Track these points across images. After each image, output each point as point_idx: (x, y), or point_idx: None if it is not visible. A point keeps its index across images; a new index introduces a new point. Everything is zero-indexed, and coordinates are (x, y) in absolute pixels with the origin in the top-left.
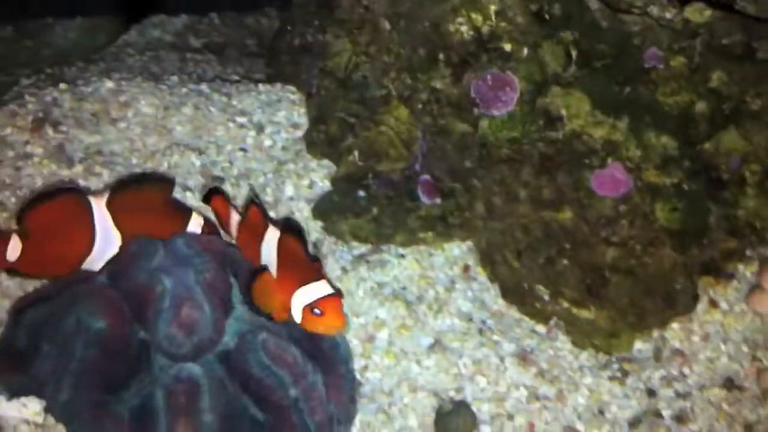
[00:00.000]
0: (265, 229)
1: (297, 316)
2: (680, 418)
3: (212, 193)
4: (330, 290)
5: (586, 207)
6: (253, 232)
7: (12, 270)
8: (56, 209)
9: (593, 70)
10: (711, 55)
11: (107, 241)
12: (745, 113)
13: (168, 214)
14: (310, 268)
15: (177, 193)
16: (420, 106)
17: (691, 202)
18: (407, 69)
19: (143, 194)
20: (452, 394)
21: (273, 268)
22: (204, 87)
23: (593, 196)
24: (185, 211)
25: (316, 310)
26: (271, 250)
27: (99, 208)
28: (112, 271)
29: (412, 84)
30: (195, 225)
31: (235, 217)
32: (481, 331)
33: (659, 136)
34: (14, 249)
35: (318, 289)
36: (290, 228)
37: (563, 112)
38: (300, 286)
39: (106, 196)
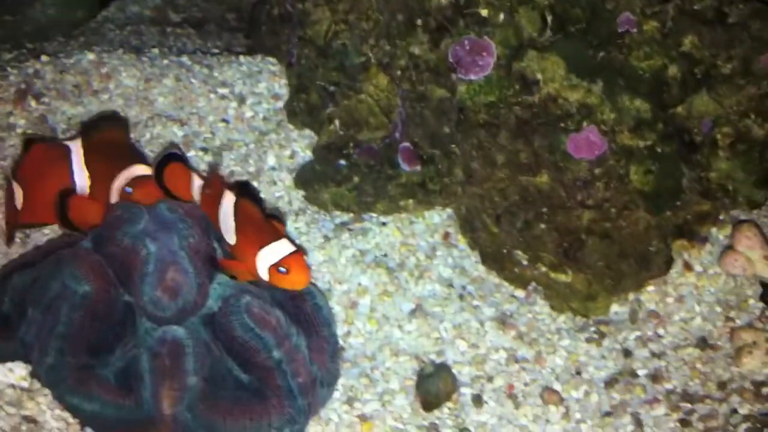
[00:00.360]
0: (222, 195)
1: (264, 276)
2: (655, 377)
3: (170, 159)
4: (291, 248)
5: (562, 170)
6: (212, 198)
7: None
8: (37, 158)
9: (568, 35)
10: (683, 19)
11: (82, 183)
12: (716, 77)
13: (126, 155)
14: (269, 229)
15: None
16: (399, 72)
17: (665, 164)
18: (386, 35)
19: (107, 136)
20: (433, 357)
21: (232, 233)
22: (185, 59)
23: (569, 159)
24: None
25: (281, 269)
26: (228, 216)
27: (76, 151)
28: (96, 235)
29: (391, 50)
30: (141, 170)
31: (196, 182)
32: (461, 297)
33: (633, 100)
34: (19, 204)
35: (280, 249)
36: (245, 192)
37: (539, 76)
38: (261, 248)
39: (79, 140)
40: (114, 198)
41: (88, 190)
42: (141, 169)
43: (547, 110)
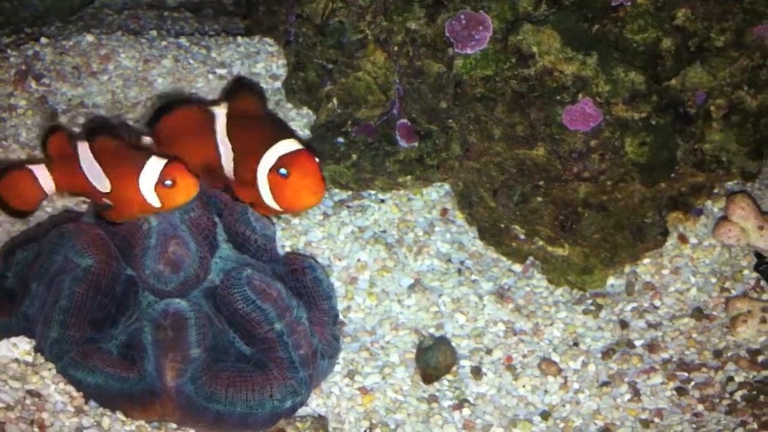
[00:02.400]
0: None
1: (154, 200)
2: (652, 347)
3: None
4: (164, 161)
5: (558, 142)
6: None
7: None
8: (180, 123)
9: (563, 8)
10: None
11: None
12: (709, 49)
13: (267, 127)
14: (136, 153)
15: None
16: (396, 48)
17: (659, 136)
18: (383, 12)
19: (245, 105)
20: (432, 331)
21: (103, 179)
22: (183, 41)
23: (565, 130)
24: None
25: (167, 182)
26: (91, 164)
27: (221, 121)
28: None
29: (388, 26)
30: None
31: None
32: (459, 271)
33: (627, 72)
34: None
35: (155, 165)
36: (97, 131)
37: (534, 49)
38: (139, 173)
39: (226, 106)
40: (262, 184)
41: (232, 164)
42: (289, 145)
43: (543, 83)
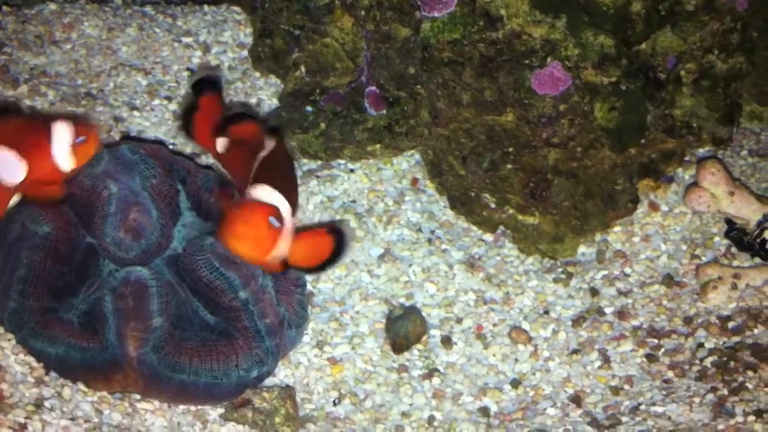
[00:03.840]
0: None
1: (68, 162)
2: (622, 314)
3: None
4: (269, 196)
5: (527, 107)
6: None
7: None
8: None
9: None
10: None
11: None
12: (680, 13)
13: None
14: (35, 123)
15: (124, 113)
16: (363, 12)
17: (629, 101)
18: None
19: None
20: (402, 300)
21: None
22: (148, 9)
23: (534, 95)
24: None
25: (79, 139)
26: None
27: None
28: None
29: None
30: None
31: None
32: (430, 241)
33: (597, 36)
34: None
35: (64, 130)
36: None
37: (503, 12)
38: (51, 136)
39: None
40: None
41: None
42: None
43: (511, 47)
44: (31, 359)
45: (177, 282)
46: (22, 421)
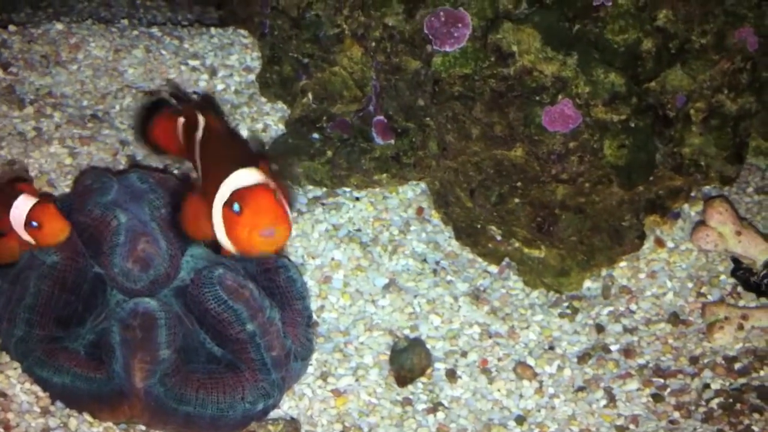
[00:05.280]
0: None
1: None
2: (628, 352)
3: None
4: (33, 200)
5: (536, 143)
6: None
7: None
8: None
9: (544, 7)
10: None
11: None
12: (690, 51)
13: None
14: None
15: (130, 136)
16: (373, 44)
17: (638, 138)
18: (361, 6)
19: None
20: (407, 332)
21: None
22: (155, 30)
23: (544, 132)
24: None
25: (33, 223)
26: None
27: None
28: (65, 205)
29: (366, 21)
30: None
31: None
32: (435, 272)
33: (608, 73)
34: None
35: (23, 204)
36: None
37: (514, 48)
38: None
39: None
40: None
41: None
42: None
43: (522, 83)
44: (37, 388)
45: (184, 313)
46: None
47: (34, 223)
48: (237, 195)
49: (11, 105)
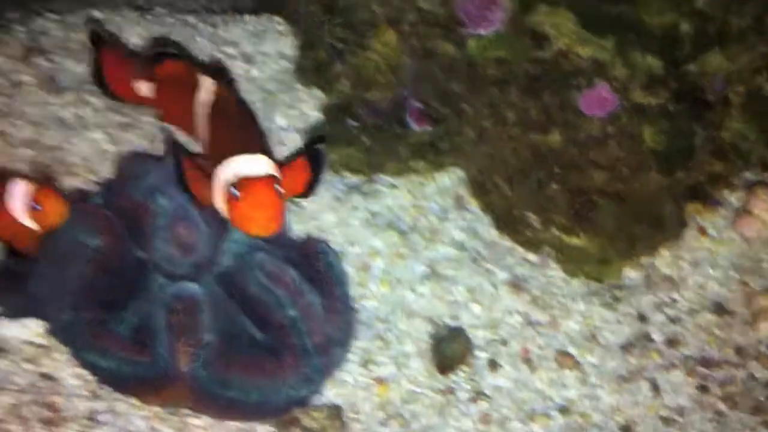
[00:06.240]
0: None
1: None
2: (671, 342)
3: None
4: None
5: (574, 127)
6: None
7: None
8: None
9: None
10: None
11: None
12: (728, 34)
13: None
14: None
15: None
16: (407, 28)
17: (677, 123)
18: None
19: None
20: (447, 320)
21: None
22: (190, 18)
23: (581, 115)
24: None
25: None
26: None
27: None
28: (106, 190)
29: (399, 5)
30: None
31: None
32: (474, 260)
33: (645, 56)
34: None
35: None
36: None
37: (550, 30)
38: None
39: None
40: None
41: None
42: (255, 164)
43: (559, 66)
44: (84, 372)
45: (226, 298)
46: None
47: (37, 206)
48: (240, 182)
49: (51, 92)
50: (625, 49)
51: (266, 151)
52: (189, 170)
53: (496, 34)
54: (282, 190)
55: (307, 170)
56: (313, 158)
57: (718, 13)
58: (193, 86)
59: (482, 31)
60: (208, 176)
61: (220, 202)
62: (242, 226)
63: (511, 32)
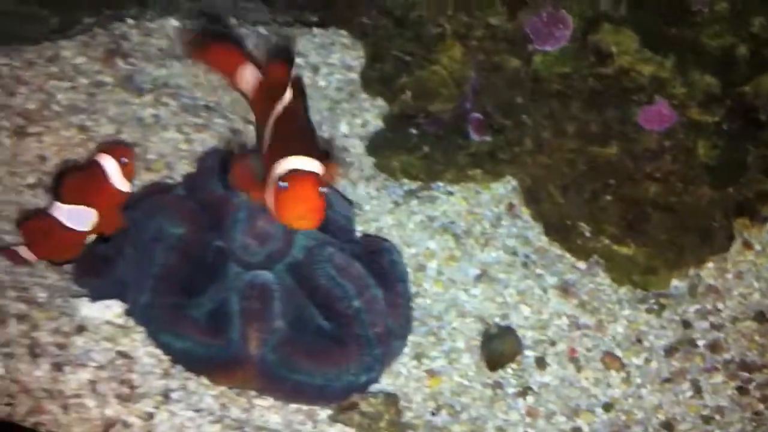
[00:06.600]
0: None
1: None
2: (714, 347)
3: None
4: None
5: (631, 141)
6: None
7: None
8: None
9: (642, 9)
10: (753, 0)
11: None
12: None
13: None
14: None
15: (239, 125)
16: (475, 43)
17: (731, 140)
18: (464, 7)
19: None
20: (498, 320)
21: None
22: (261, 29)
23: (639, 130)
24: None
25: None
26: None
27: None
28: (190, 183)
29: (468, 21)
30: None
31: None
32: (525, 264)
33: (703, 76)
34: None
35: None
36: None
37: (613, 48)
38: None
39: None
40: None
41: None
42: (307, 163)
43: (620, 82)
44: (159, 352)
45: (296, 288)
46: (151, 410)
47: (283, 184)
48: (289, 175)
49: (131, 93)
50: (685, 68)
51: (318, 158)
52: (238, 167)
53: (561, 50)
54: (324, 190)
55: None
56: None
57: None
58: (283, 92)
59: (549, 48)
60: (255, 174)
61: (270, 197)
62: (284, 216)
63: (576, 49)
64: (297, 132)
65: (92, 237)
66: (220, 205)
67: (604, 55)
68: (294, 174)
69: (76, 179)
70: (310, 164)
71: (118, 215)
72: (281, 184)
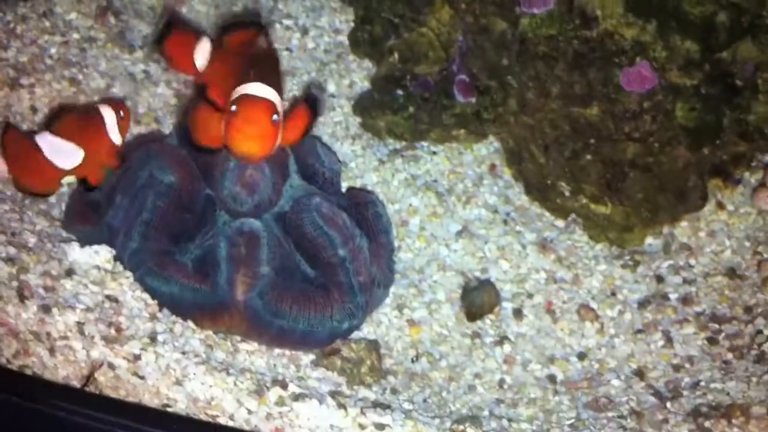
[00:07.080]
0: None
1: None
2: (686, 300)
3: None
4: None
5: (613, 101)
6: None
7: None
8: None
9: None
10: None
11: None
12: (761, 26)
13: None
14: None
15: None
16: (463, 5)
17: (708, 103)
18: None
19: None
20: (477, 274)
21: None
22: None
23: (620, 91)
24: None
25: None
26: None
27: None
28: (181, 133)
29: None
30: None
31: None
32: (505, 222)
33: (684, 41)
34: None
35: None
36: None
37: (598, 12)
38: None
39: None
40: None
41: None
42: (263, 89)
43: (604, 45)
44: (146, 296)
45: (283, 236)
46: (137, 352)
47: (122, 114)
48: (240, 99)
49: (122, 48)
50: (666, 33)
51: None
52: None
53: (548, 13)
54: (278, 119)
55: (306, 115)
56: (311, 105)
57: (752, 6)
58: (249, 48)
59: (536, 10)
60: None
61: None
62: (232, 141)
63: (562, 12)
64: (261, 69)
65: (68, 179)
66: (211, 154)
67: (589, 18)
68: (245, 97)
69: (74, 117)
70: (265, 91)
71: (101, 167)
72: (232, 108)
